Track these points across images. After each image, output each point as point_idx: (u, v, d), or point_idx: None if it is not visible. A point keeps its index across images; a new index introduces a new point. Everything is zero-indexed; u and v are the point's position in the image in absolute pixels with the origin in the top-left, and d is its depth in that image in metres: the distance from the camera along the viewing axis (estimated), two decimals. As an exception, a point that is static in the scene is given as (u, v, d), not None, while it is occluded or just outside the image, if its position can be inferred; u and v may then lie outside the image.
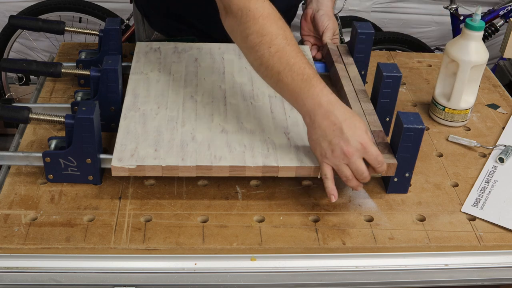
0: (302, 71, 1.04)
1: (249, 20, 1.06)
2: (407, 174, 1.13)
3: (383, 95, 1.23)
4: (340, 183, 1.17)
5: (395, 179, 1.14)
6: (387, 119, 1.26)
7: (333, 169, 1.05)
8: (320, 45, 1.46)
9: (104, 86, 1.21)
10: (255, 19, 1.05)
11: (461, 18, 2.68)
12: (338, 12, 2.52)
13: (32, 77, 2.82)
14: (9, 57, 2.76)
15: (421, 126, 1.08)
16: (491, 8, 2.73)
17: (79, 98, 1.28)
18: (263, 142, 1.11)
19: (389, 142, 1.14)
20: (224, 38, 1.28)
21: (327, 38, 1.44)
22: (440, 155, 1.28)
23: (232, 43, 1.20)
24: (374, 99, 1.26)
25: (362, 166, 1.04)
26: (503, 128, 1.38)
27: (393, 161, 1.09)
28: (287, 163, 1.07)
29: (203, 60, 1.36)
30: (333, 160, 1.04)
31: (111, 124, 1.25)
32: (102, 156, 1.12)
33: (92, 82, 1.23)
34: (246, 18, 1.06)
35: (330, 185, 1.06)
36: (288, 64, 1.04)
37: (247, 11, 1.06)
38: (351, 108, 1.22)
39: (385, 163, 1.06)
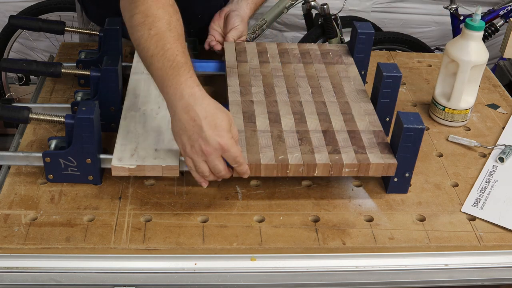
0: (174, 58, 1.01)
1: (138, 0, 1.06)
2: (407, 174, 1.13)
3: (383, 95, 1.23)
4: (341, 181, 1.17)
5: (395, 179, 1.14)
6: (387, 119, 1.26)
7: None
8: (222, 43, 1.45)
9: (104, 86, 1.21)
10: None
11: (461, 18, 2.68)
12: (338, 12, 2.52)
13: (32, 77, 2.82)
14: (9, 57, 2.76)
15: (421, 126, 1.08)
16: (491, 8, 2.73)
17: (79, 98, 1.28)
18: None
19: (389, 142, 1.14)
20: None
21: (231, 36, 1.43)
22: (440, 155, 1.28)
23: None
24: (374, 99, 1.26)
25: (219, 166, 1.02)
26: (503, 128, 1.38)
27: (393, 161, 1.09)
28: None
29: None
30: (192, 155, 1.02)
31: (111, 124, 1.25)
32: (102, 156, 1.12)
33: (92, 82, 1.23)
34: None
35: (197, 176, 1.05)
36: (162, 49, 1.02)
37: None
38: (350, 108, 1.22)
39: (246, 164, 1.05)
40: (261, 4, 1.52)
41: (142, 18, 1.04)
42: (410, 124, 1.08)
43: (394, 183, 1.15)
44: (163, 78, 1.01)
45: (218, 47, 1.44)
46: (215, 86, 1.38)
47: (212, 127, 0.99)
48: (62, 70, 1.31)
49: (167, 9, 1.06)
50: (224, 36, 1.46)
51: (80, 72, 1.31)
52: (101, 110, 1.14)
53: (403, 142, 1.09)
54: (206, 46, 1.46)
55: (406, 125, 1.08)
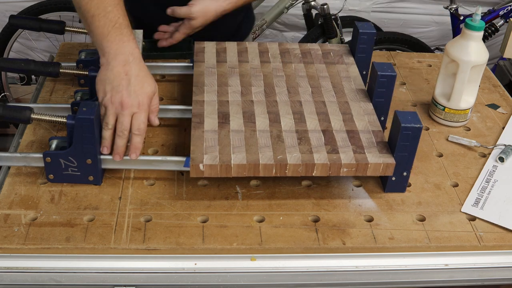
0: (116, 20, 1.10)
1: None
2: (405, 173, 1.13)
3: (377, 94, 1.23)
4: (341, 181, 1.17)
5: (393, 178, 1.14)
6: (382, 118, 1.26)
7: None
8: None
9: None
10: None
11: (461, 18, 2.68)
12: (338, 12, 2.52)
13: (33, 77, 2.82)
14: (9, 57, 2.76)
15: (418, 125, 1.08)
16: (491, 8, 2.73)
17: (79, 98, 1.28)
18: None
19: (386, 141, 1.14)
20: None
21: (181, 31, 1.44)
22: (440, 155, 1.28)
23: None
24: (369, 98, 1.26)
25: (126, 123, 1.06)
26: (503, 128, 1.38)
27: (391, 160, 1.09)
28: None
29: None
30: (108, 104, 1.06)
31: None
32: (102, 156, 1.12)
33: (90, 82, 1.23)
34: None
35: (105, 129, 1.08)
36: (104, 11, 1.10)
37: None
38: (349, 108, 1.22)
39: (140, 144, 1.07)
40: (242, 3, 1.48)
41: None
42: (408, 123, 1.08)
43: (392, 182, 1.15)
44: (104, 34, 1.09)
45: (162, 43, 1.47)
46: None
47: (139, 85, 1.07)
48: (60, 70, 1.31)
49: None
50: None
51: (79, 72, 1.31)
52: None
53: (401, 141, 1.09)
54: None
55: (404, 124, 1.08)
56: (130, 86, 1.06)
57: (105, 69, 1.08)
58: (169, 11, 1.40)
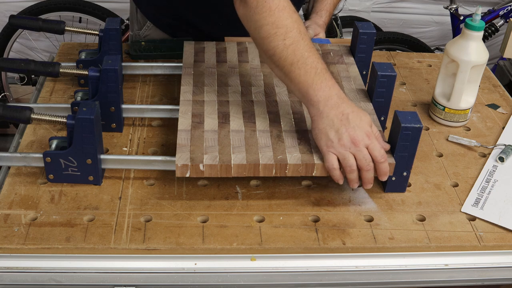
0: (316, 65, 1.08)
1: (264, 11, 1.08)
2: (405, 173, 1.13)
3: (377, 94, 1.23)
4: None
5: (393, 178, 1.14)
6: (382, 118, 1.26)
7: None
8: None
9: (104, 86, 1.21)
10: (271, 10, 1.08)
11: (461, 18, 2.68)
12: (338, 12, 2.52)
13: (33, 77, 2.82)
14: (9, 57, 2.76)
15: (418, 125, 1.08)
16: (491, 8, 2.73)
17: (79, 98, 1.28)
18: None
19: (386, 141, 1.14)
20: (216, 33, 1.29)
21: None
22: (440, 155, 1.28)
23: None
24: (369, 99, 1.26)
25: (369, 156, 1.05)
26: (503, 128, 1.38)
27: (391, 160, 1.09)
28: None
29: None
30: (339, 148, 1.05)
31: (111, 124, 1.25)
32: (102, 156, 1.12)
33: (90, 82, 1.23)
34: (262, 9, 1.08)
35: (339, 175, 1.07)
36: (302, 57, 1.08)
37: (263, 2, 1.08)
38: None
39: (387, 168, 1.07)
40: (334, 8, 1.60)
41: (273, 29, 1.08)
42: (408, 123, 1.08)
43: (392, 182, 1.15)
44: (309, 83, 1.08)
45: None
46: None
47: (358, 119, 1.07)
48: (60, 70, 1.31)
49: (294, 18, 1.10)
50: None
51: (78, 72, 1.31)
52: (101, 110, 1.14)
53: (401, 141, 1.09)
54: None
55: (404, 124, 1.08)
56: (350, 122, 1.05)
57: (319, 119, 1.07)
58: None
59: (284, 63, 1.09)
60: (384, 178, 1.09)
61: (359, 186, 1.10)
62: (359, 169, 1.07)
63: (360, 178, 1.08)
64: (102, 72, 1.20)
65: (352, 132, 1.05)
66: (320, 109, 1.07)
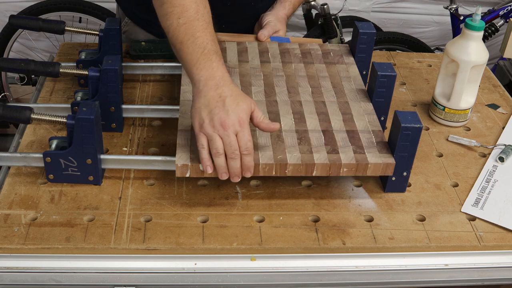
0: (205, 45, 1.09)
1: None
2: (405, 173, 1.13)
3: (377, 94, 1.23)
4: (341, 181, 1.17)
5: (393, 178, 1.14)
6: (382, 118, 1.26)
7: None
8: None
9: (104, 86, 1.21)
10: None
11: (461, 18, 2.68)
12: (338, 12, 2.52)
13: (33, 77, 2.81)
14: (9, 57, 2.76)
15: (418, 125, 1.08)
16: (491, 8, 2.73)
17: (79, 98, 1.28)
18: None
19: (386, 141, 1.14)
20: None
21: (262, 34, 1.45)
22: (440, 155, 1.28)
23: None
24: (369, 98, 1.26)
25: (235, 143, 1.03)
26: (503, 128, 1.38)
27: (391, 160, 1.09)
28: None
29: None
30: (208, 129, 1.04)
31: (111, 124, 1.25)
32: (102, 156, 1.12)
33: (90, 82, 1.23)
34: None
35: (205, 155, 1.05)
36: (192, 36, 1.09)
37: None
38: (349, 108, 1.22)
39: (251, 162, 1.05)
40: (300, 2, 1.57)
41: (171, 8, 1.12)
42: (408, 123, 1.08)
43: (392, 182, 1.15)
44: (193, 62, 1.08)
45: (261, 37, 1.46)
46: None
47: (235, 103, 1.05)
48: (60, 70, 1.31)
49: None
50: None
51: (79, 72, 1.31)
52: (101, 110, 1.15)
53: (401, 141, 1.09)
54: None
55: (404, 124, 1.08)
56: (225, 105, 1.04)
57: (198, 98, 1.07)
58: (260, 38, 1.45)
59: (176, 41, 1.11)
60: (246, 174, 1.05)
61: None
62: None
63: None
64: (102, 72, 1.20)
65: (224, 115, 1.03)
66: (199, 88, 1.07)
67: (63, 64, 1.33)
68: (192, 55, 1.08)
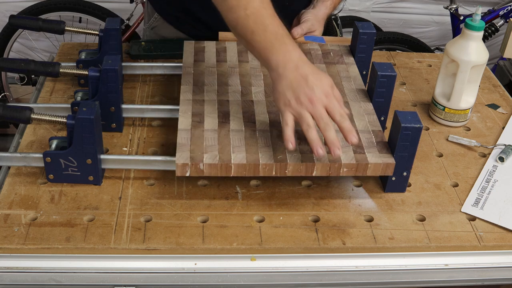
0: (276, 31, 1.10)
1: None
2: (405, 173, 1.13)
3: (377, 94, 1.23)
4: (341, 181, 1.17)
5: (393, 178, 1.14)
6: (382, 118, 1.26)
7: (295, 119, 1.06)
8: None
9: (104, 86, 1.21)
10: None
11: (461, 18, 2.68)
12: (338, 12, 2.52)
13: (33, 77, 2.82)
14: (9, 57, 2.76)
15: (418, 125, 1.08)
16: (491, 8, 2.73)
17: (79, 98, 1.28)
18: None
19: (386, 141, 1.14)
20: (223, 29, 1.30)
21: (299, 28, 1.45)
22: (440, 155, 1.28)
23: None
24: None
25: (326, 115, 1.05)
26: (503, 128, 1.38)
27: (391, 160, 1.09)
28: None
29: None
30: (296, 107, 1.05)
31: (111, 124, 1.25)
32: (102, 156, 1.12)
33: (90, 82, 1.23)
34: None
35: (289, 132, 1.05)
36: (262, 25, 1.10)
37: None
38: (349, 108, 1.22)
39: (351, 126, 1.05)
40: (339, 1, 1.56)
41: (235, 1, 1.12)
42: (408, 123, 1.08)
43: (392, 182, 1.15)
44: (267, 48, 1.09)
45: (295, 33, 1.45)
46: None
47: (318, 80, 1.06)
48: (61, 70, 1.31)
49: None
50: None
51: (78, 72, 1.31)
52: (101, 110, 1.15)
53: (401, 141, 1.09)
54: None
55: (404, 124, 1.08)
56: (309, 82, 1.05)
57: (279, 81, 1.08)
58: (294, 35, 1.44)
59: (246, 32, 1.11)
60: (351, 138, 1.04)
61: (328, 153, 1.06)
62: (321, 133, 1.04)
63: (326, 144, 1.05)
64: (102, 72, 1.20)
65: (310, 91, 1.04)
66: (279, 72, 1.08)
67: (63, 64, 1.33)
68: (266, 42, 1.09)
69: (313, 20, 1.49)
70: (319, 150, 1.03)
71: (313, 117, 1.05)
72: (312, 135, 1.04)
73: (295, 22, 1.51)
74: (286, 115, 1.06)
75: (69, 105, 1.25)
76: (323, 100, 1.05)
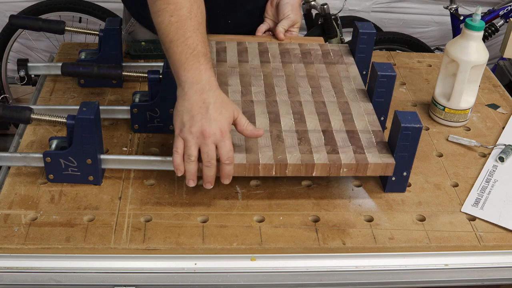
0: (195, 46, 1.07)
1: None
2: (405, 173, 1.14)
3: (377, 94, 1.23)
4: (341, 181, 1.17)
5: (393, 178, 1.14)
6: (382, 118, 1.26)
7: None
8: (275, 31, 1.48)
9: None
10: None
11: (461, 18, 2.68)
12: (338, 12, 2.52)
13: (33, 77, 2.81)
14: (9, 57, 2.76)
15: (418, 125, 1.08)
16: (491, 8, 2.73)
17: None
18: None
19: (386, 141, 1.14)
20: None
21: (281, 26, 1.45)
22: (440, 155, 1.28)
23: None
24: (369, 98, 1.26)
25: (213, 153, 1.03)
26: (503, 128, 1.38)
27: (391, 160, 1.09)
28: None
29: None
30: (187, 135, 1.03)
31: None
32: (102, 156, 1.12)
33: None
34: None
35: (178, 160, 1.04)
36: (183, 36, 1.07)
37: None
38: (349, 108, 1.22)
39: (231, 171, 1.04)
40: None
41: (164, 4, 1.09)
42: (408, 123, 1.08)
43: (392, 182, 1.15)
44: (181, 62, 1.06)
45: (281, 35, 1.46)
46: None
47: (218, 112, 1.03)
48: (123, 73, 1.30)
49: None
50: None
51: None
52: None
53: (401, 141, 1.09)
54: (258, 33, 1.50)
55: (404, 124, 1.08)
56: (208, 114, 1.02)
57: (182, 100, 1.05)
58: (280, 37, 1.45)
59: (166, 39, 1.08)
60: (225, 181, 1.05)
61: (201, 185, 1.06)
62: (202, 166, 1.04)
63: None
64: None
65: (206, 123, 1.01)
66: (185, 90, 1.05)
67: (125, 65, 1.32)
68: (181, 55, 1.06)
69: (293, 14, 1.47)
70: (191, 182, 1.04)
71: (200, 150, 1.03)
72: (189, 167, 1.03)
73: (269, 7, 1.49)
74: (178, 140, 1.04)
75: (69, 106, 1.25)
76: (216, 137, 1.02)
